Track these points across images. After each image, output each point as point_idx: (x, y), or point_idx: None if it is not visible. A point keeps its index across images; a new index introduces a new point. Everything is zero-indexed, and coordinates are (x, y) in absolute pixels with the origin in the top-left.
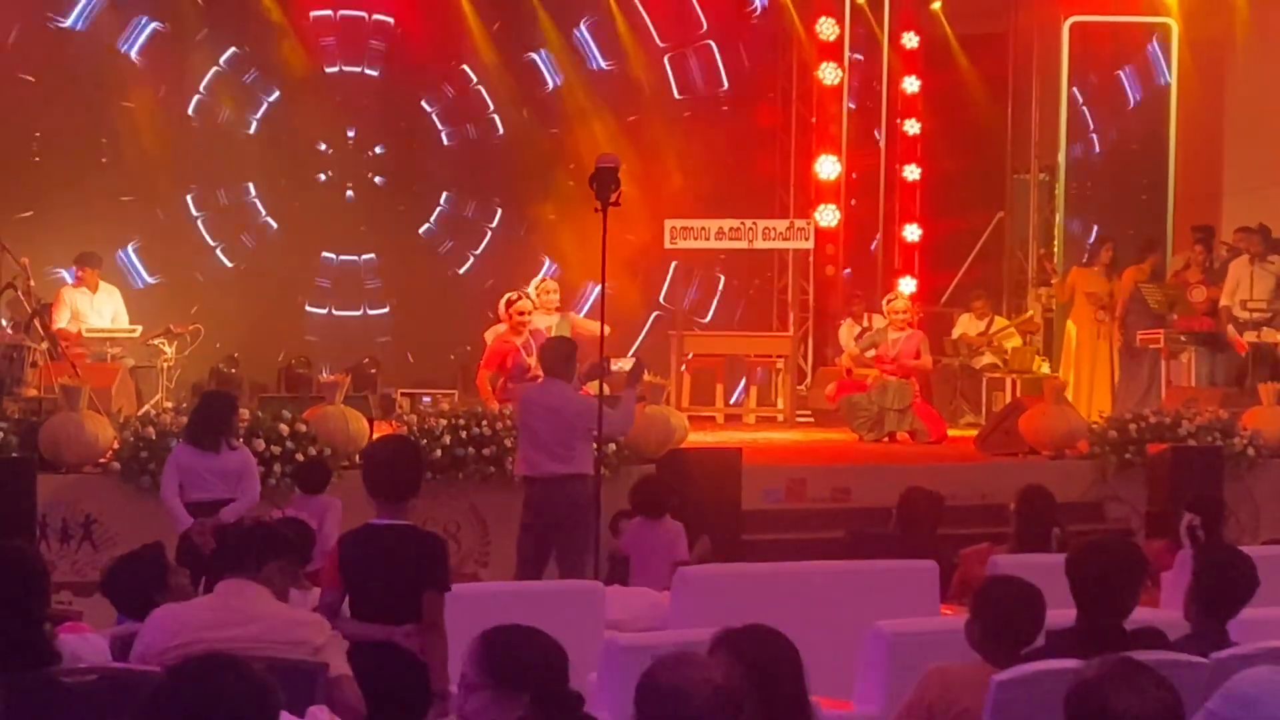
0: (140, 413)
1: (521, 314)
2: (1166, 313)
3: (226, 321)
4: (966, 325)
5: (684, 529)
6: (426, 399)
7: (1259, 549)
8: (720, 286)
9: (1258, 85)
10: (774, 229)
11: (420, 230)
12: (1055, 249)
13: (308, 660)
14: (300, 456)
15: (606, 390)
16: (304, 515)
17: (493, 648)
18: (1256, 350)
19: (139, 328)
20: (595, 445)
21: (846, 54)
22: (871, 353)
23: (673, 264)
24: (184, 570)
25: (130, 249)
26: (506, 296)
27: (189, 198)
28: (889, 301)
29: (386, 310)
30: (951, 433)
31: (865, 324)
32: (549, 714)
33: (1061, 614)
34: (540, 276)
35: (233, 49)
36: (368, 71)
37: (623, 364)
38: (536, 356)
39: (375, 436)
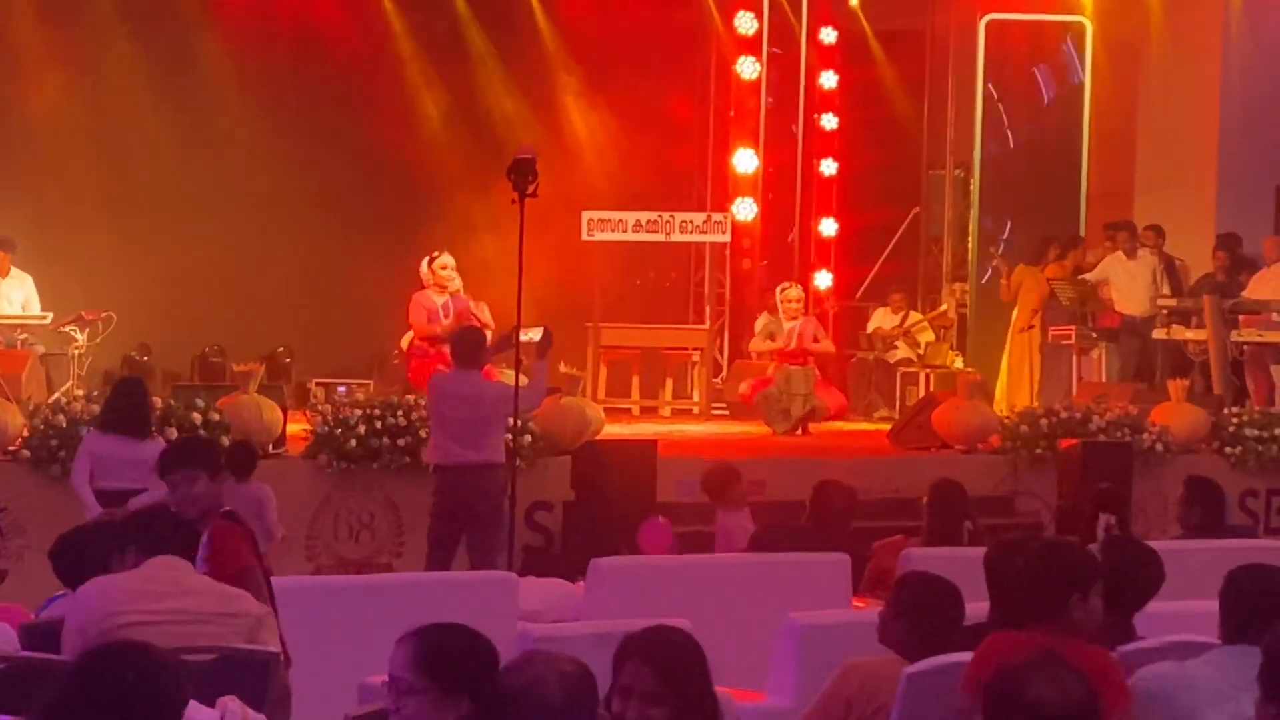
0: (51, 400)
1: (445, 268)
2: (1078, 309)
3: (140, 308)
4: (882, 319)
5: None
6: (342, 388)
7: (1166, 543)
8: (638, 279)
9: (1170, 86)
10: (691, 222)
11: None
12: (970, 244)
13: (260, 651)
14: None
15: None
16: (236, 507)
17: (431, 649)
18: (1166, 346)
19: (50, 314)
20: (510, 434)
21: (765, 48)
22: (769, 345)
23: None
24: (134, 556)
25: (42, 233)
26: (429, 256)
27: (100, 180)
28: (782, 291)
29: (303, 298)
30: (865, 426)
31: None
32: (488, 713)
33: (972, 607)
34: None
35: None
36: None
37: (532, 334)
38: (452, 321)
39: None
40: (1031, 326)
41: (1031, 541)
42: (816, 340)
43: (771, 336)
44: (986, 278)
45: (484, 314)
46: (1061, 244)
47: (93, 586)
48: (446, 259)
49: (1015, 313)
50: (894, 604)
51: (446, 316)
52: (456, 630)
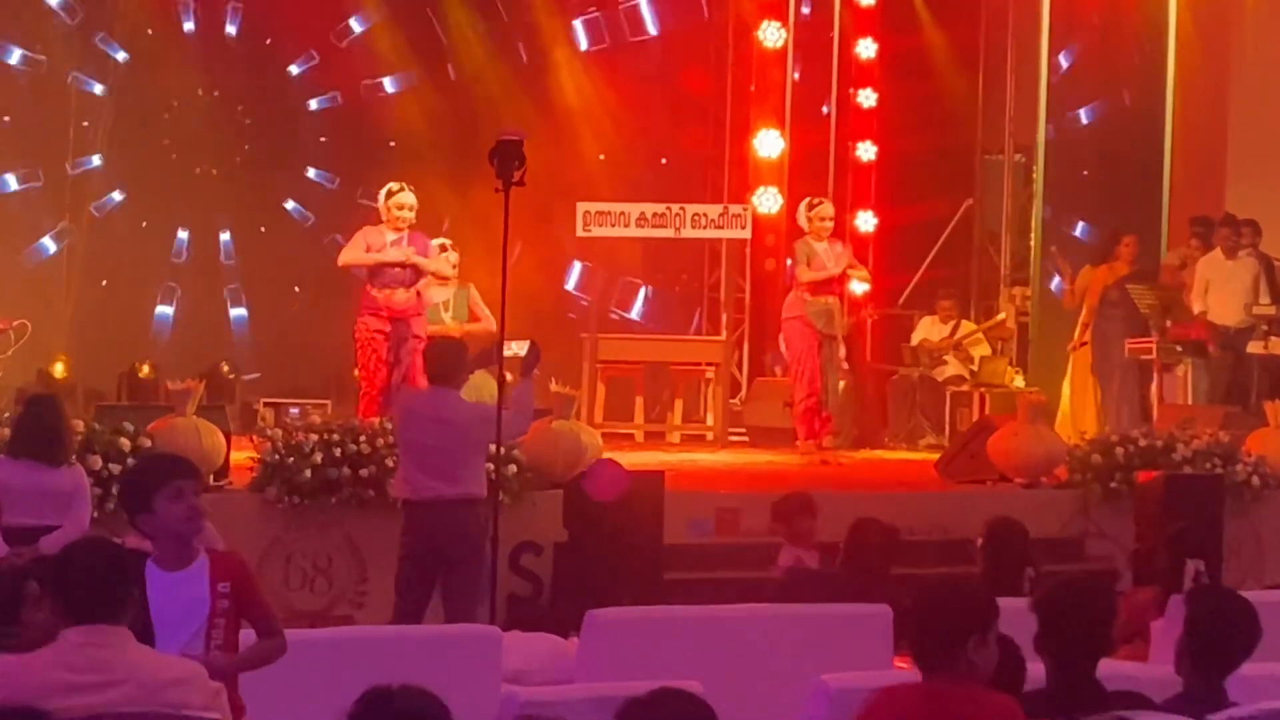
0: None
1: (401, 208)
2: (1159, 318)
3: (58, 316)
4: (928, 330)
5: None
6: (294, 410)
7: (1263, 594)
8: (642, 282)
9: (1268, 55)
10: (705, 215)
11: (287, 206)
12: (1032, 242)
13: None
14: None
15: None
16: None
17: (374, 715)
18: (1264, 363)
19: None
20: (491, 464)
21: (792, 11)
22: (823, 272)
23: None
24: (48, 605)
25: None
26: (387, 187)
27: (13, 172)
28: (813, 208)
29: (245, 309)
30: (909, 455)
31: None
32: None
33: (1031, 667)
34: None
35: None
36: (228, 29)
37: (517, 347)
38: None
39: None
40: (1085, 343)
41: (925, 582)
42: (854, 267)
43: (810, 262)
44: (1054, 283)
45: (446, 262)
46: (1104, 240)
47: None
48: (406, 196)
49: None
50: None
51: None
52: (405, 693)
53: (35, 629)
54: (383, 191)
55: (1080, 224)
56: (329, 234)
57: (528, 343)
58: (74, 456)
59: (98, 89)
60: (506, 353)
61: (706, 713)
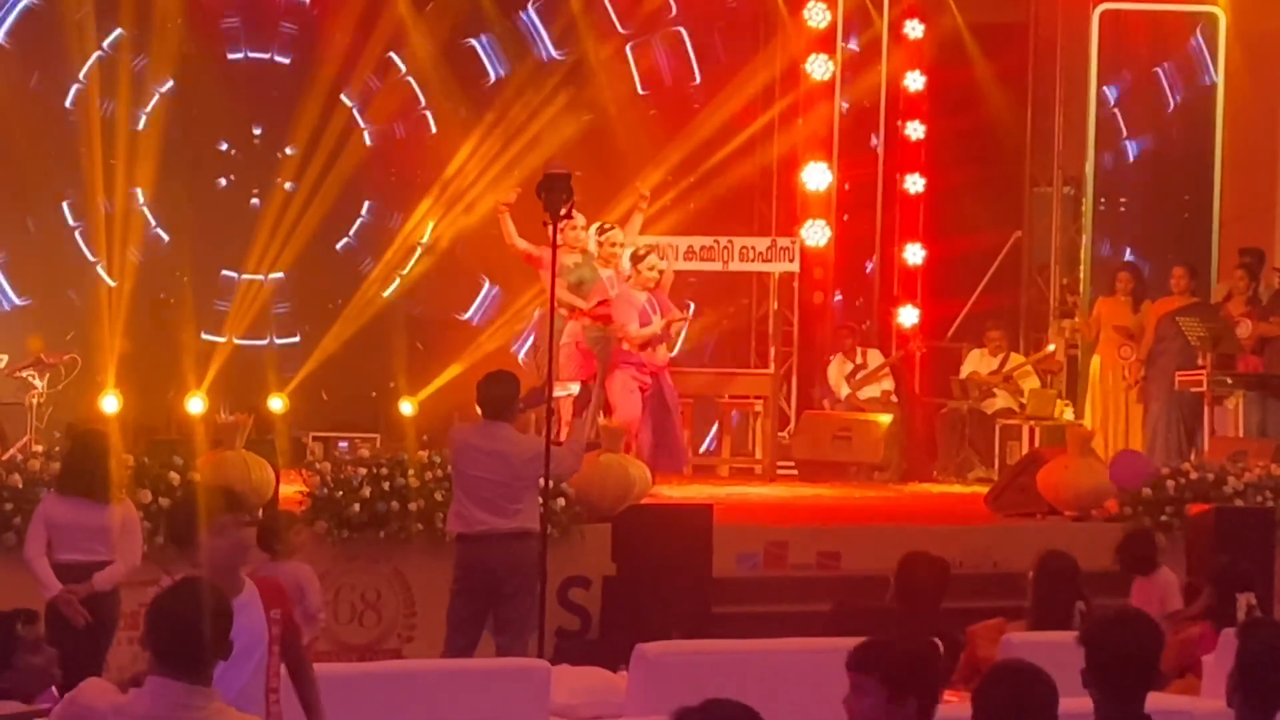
0: (5, 457)
1: (652, 269)
2: (1209, 350)
3: (108, 351)
4: (977, 362)
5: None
6: (343, 444)
7: None
8: (689, 314)
9: None
10: (753, 248)
11: (338, 246)
12: (1081, 275)
13: None
14: None
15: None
16: None
17: None
18: None
19: (5, 357)
20: (540, 497)
21: (839, 44)
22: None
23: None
24: (48, 650)
25: None
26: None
27: (65, 205)
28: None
29: (296, 339)
30: (959, 489)
31: (859, 360)
32: None
33: (1078, 702)
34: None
35: (119, 30)
36: (277, 59)
37: (569, 388)
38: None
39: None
40: (1136, 382)
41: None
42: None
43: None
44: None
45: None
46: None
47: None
48: (617, 234)
49: (1097, 358)
50: (975, 701)
51: (655, 313)
52: None
53: (31, 673)
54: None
55: (1128, 255)
56: (372, 264)
57: (579, 383)
58: (124, 491)
59: (140, 123)
60: (558, 393)
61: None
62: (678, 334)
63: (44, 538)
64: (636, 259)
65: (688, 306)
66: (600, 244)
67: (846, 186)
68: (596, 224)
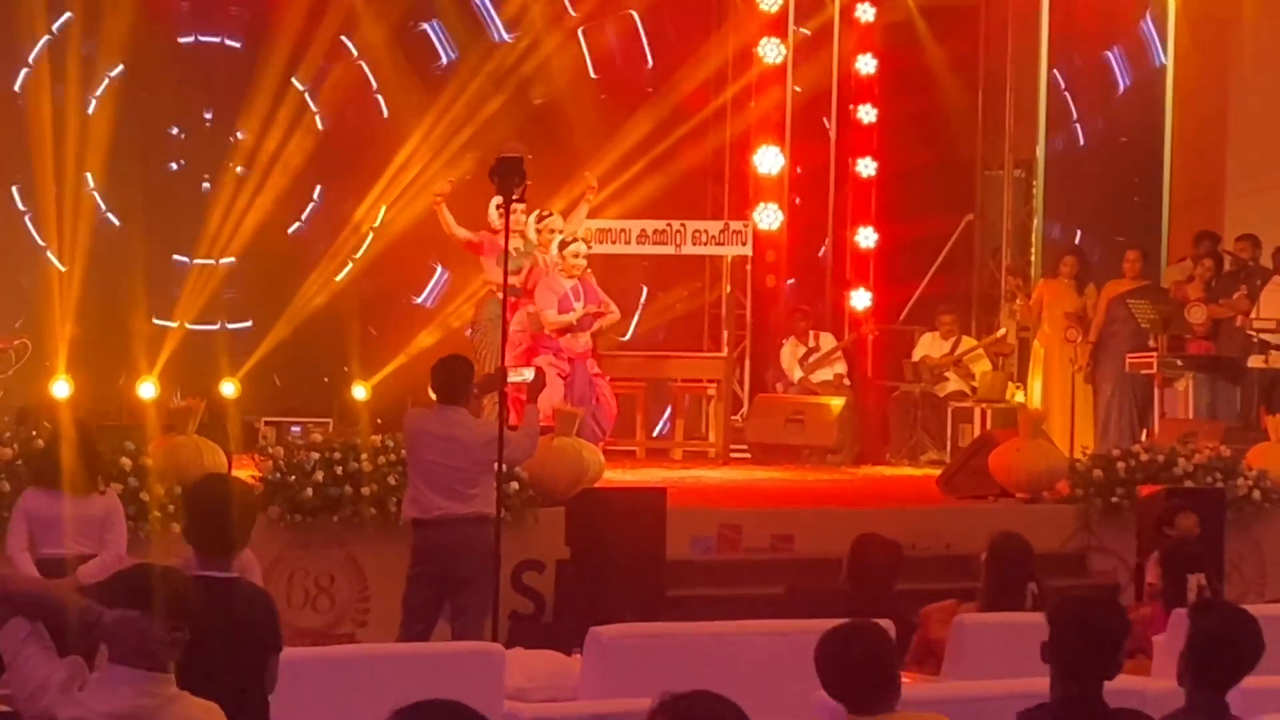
0: None
1: (577, 255)
2: (1159, 332)
3: (58, 336)
4: (929, 346)
5: None
6: (295, 429)
7: (1265, 608)
8: (643, 298)
9: (1267, 69)
10: (706, 232)
11: (289, 230)
12: (1032, 257)
13: None
14: (145, 495)
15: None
16: None
17: None
18: (1265, 376)
19: None
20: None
21: (791, 28)
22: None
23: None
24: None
25: None
26: (538, 213)
27: (14, 189)
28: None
29: (248, 325)
30: (911, 472)
31: (812, 343)
32: None
33: (1032, 683)
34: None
35: (68, 14)
36: (229, 43)
37: (523, 374)
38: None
39: (204, 476)
40: (1083, 365)
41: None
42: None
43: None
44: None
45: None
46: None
47: None
48: (555, 220)
49: (1039, 338)
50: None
51: (579, 301)
52: (444, 709)
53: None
54: (531, 219)
55: (1079, 237)
56: (324, 248)
57: (533, 369)
58: (106, 482)
59: (90, 107)
60: (512, 378)
61: (735, 711)
62: (606, 326)
63: (26, 533)
64: (563, 245)
65: (608, 305)
66: (539, 230)
67: (799, 170)
68: (535, 212)
